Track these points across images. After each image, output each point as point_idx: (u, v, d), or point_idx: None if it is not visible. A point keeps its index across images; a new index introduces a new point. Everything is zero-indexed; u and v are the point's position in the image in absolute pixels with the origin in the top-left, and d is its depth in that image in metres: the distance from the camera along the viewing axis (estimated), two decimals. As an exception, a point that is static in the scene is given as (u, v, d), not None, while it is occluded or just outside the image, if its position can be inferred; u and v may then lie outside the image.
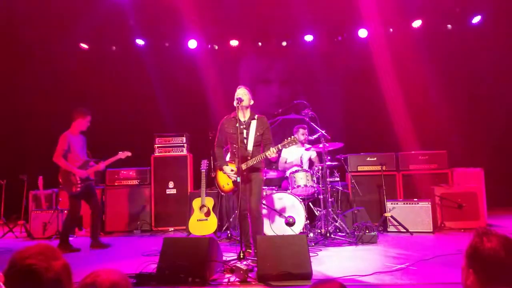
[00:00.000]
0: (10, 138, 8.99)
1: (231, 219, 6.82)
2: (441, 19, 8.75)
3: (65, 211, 7.22)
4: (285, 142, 4.86)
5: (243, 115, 5.25)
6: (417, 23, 8.69)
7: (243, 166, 4.98)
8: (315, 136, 6.71)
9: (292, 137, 4.87)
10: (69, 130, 6.18)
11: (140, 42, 9.13)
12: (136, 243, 6.59)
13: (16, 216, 7.69)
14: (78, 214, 6.25)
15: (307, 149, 6.91)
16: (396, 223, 6.58)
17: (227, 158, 5.47)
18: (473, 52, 8.59)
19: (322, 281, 1.72)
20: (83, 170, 6.06)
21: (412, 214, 6.58)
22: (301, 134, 7.04)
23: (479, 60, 8.52)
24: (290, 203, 6.25)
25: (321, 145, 6.31)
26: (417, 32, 8.82)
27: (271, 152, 4.89)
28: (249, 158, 5.04)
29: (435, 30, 8.85)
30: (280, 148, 4.89)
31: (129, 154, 6.33)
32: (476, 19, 8.54)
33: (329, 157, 6.49)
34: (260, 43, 9.32)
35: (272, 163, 6.93)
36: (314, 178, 6.46)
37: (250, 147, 5.13)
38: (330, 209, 6.28)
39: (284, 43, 9.18)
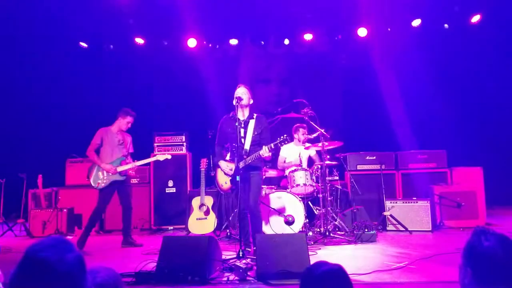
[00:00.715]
0: (9, 137, 8.99)
1: (230, 218, 6.83)
2: (441, 18, 8.74)
3: (65, 210, 7.24)
4: (278, 141, 4.84)
5: (242, 114, 5.27)
6: (416, 22, 8.68)
7: (241, 164, 4.99)
8: (314, 135, 6.71)
9: (285, 135, 4.85)
10: (110, 126, 6.31)
11: (139, 40, 9.11)
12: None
13: (15, 214, 7.69)
14: (103, 210, 6.31)
15: (306, 148, 6.90)
16: (395, 222, 6.59)
17: (228, 157, 5.49)
18: (472, 51, 8.58)
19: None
20: (112, 166, 6.07)
21: (411, 213, 6.59)
22: (301, 134, 7.02)
23: (478, 59, 8.52)
24: (289, 202, 6.25)
25: (320, 144, 6.32)
26: (417, 31, 8.81)
27: (264, 151, 4.89)
28: (245, 157, 5.06)
29: (434, 29, 8.85)
30: (272, 147, 4.87)
31: (168, 157, 6.32)
32: (476, 18, 8.53)
33: (328, 156, 6.50)
34: (259, 42, 9.30)
35: (267, 162, 6.90)
36: (314, 177, 6.46)
37: (247, 145, 5.14)
38: (329, 208, 6.29)
39: (286, 41, 9.16)
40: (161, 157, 6.32)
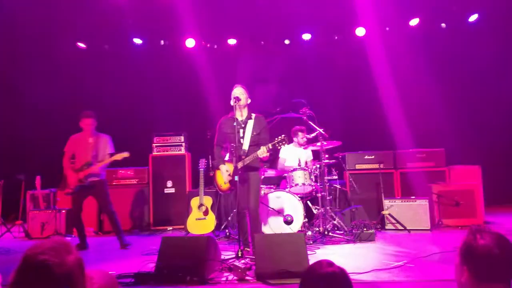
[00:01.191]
0: (7, 138, 8.98)
1: (229, 218, 6.84)
2: (438, 17, 8.76)
3: (63, 211, 7.24)
4: (275, 141, 4.84)
5: (241, 114, 5.27)
6: (414, 22, 8.70)
7: (239, 165, 4.99)
8: (313, 135, 6.72)
9: (283, 135, 4.84)
10: (81, 132, 6.30)
11: (137, 41, 9.11)
12: (134, 243, 6.59)
13: (14, 216, 7.69)
14: (74, 213, 6.22)
15: (305, 148, 6.91)
16: (393, 221, 6.60)
17: (227, 158, 5.49)
18: (470, 50, 8.60)
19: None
20: (74, 172, 6.07)
21: (409, 212, 6.60)
22: (300, 137, 7.03)
23: (476, 58, 8.54)
24: (288, 202, 6.25)
25: (319, 144, 6.33)
26: (415, 30, 8.83)
27: (262, 151, 4.89)
28: (244, 157, 5.06)
29: (432, 29, 8.87)
30: (270, 147, 4.86)
31: (126, 155, 6.21)
32: (473, 17, 8.55)
33: (327, 156, 6.50)
34: (258, 42, 9.31)
35: (265, 162, 6.89)
36: (312, 177, 6.47)
37: (246, 146, 5.14)
38: (328, 207, 6.30)
39: (286, 42, 9.17)
40: (118, 156, 6.13)
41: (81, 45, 9.14)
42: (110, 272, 1.88)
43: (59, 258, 1.37)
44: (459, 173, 7.28)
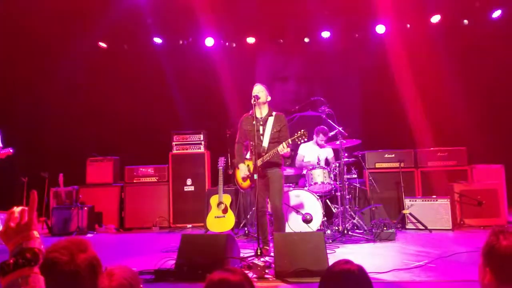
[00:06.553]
0: (31, 136, 9.16)
1: (248, 216, 6.86)
2: (460, 14, 8.61)
3: (85, 208, 7.36)
4: (295, 136, 4.83)
5: (260, 112, 5.28)
6: (435, 18, 8.56)
7: (259, 162, 5.00)
8: (332, 133, 6.70)
9: (302, 130, 4.83)
10: None
11: (157, 40, 9.20)
12: (154, 240, 6.68)
13: (37, 212, 7.86)
14: None
15: (321, 147, 6.89)
16: (414, 220, 6.53)
17: (248, 156, 5.51)
18: (493, 46, 8.43)
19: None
20: None
21: (431, 211, 6.52)
22: (319, 139, 7.01)
23: (499, 55, 8.36)
24: (307, 200, 6.25)
25: (338, 142, 6.30)
26: (436, 27, 8.69)
27: (282, 147, 4.88)
28: (263, 154, 5.06)
29: (454, 25, 8.71)
30: (290, 142, 4.85)
31: (9, 152, 5.98)
32: (496, 14, 8.38)
33: (346, 154, 6.47)
34: (276, 40, 9.30)
35: (286, 159, 6.87)
36: (331, 175, 6.44)
37: (265, 143, 5.15)
38: (347, 206, 6.27)
39: (305, 40, 9.15)
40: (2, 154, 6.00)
41: (102, 44, 9.27)
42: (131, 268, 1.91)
43: (68, 256, 1.44)
44: (482, 172, 7.15)
